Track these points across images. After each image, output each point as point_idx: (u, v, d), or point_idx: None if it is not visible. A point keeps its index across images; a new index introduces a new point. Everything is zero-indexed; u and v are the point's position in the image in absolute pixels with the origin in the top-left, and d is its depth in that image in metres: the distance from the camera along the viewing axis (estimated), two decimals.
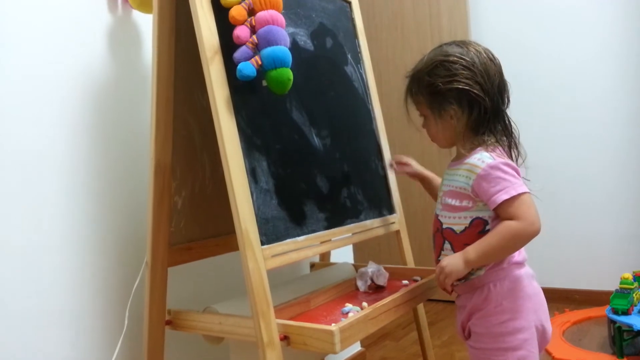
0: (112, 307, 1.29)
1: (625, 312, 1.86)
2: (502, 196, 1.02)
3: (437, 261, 1.15)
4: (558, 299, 2.55)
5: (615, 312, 1.88)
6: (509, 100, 1.13)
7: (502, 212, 1.04)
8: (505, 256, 1.08)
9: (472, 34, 2.71)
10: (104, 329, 1.27)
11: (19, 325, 1.12)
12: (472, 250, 1.04)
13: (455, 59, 1.08)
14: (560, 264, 2.64)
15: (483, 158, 1.06)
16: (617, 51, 2.51)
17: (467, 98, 1.08)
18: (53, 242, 1.19)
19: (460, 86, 1.07)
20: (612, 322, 1.90)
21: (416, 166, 1.39)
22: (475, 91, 1.07)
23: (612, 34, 2.51)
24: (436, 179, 1.34)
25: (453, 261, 1.05)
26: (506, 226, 1.03)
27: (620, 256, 2.52)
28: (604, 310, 1.99)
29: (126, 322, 1.26)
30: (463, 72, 1.07)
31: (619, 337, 1.87)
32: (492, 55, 1.12)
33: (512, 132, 1.12)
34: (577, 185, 2.62)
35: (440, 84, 1.08)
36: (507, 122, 1.12)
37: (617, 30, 2.50)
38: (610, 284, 2.23)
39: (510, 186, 1.03)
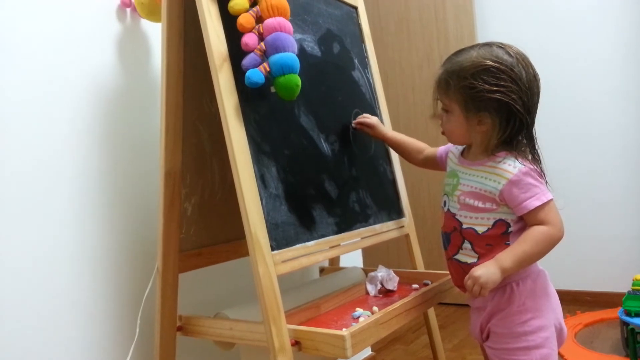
0: (123, 314, 1.30)
1: (639, 314, 1.85)
2: (534, 202, 1.03)
3: (452, 260, 1.15)
4: (569, 300, 2.54)
5: (628, 313, 1.87)
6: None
7: (531, 217, 1.04)
8: (535, 261, 1.08)
9: (478, 36, 2.71)
10: (116, 335, 1.28)
11: (30, 333, 1.13)
12: (507, 257, 1.03)
13: (505, 68, 1.05)
14: (571, 266, 2.62)
15: (514, 164, 1.06)
16: (625, 52, 2.49)
17: (507, 111, 1.06)
18: (64, 250, 1.20)
19: (504, 98, 1.04)
20: (625, 324, 1.88)
21: (379, 129, 1.40)
22: (517, 106, 1.04)
23: (620, 35, 2.50)
24: (399, 137, 1.40)
25: (488, 271, 1.02)
26: (539, 232, 1.03)
27: (633, 257, 2.50)
28: (617, 312, 1.97)
29: (138, 328, 1.27)
30: (510, 85, 1.04)
31: (632, 339, 1.85)
32: (535, 70, 1.09)
33: (537, 149, 1.11)
34: (588, 187, 2.60)
35: (482, 90, 1.05)
36: (534, 139, 1.11)
37: (625, 31, 2.49)
38: (623, 286, 2.21)
39: (540, 192, 1.04)
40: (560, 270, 2.59)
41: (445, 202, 1.18)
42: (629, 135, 2.51)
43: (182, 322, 1.23)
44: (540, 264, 1.16)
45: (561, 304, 1.16)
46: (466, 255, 1.12)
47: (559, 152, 2.62)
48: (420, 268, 1.57)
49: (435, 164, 1.33)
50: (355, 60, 1.51)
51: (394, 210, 1.51)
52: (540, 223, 1.04)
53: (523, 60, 1.08)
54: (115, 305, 1.29)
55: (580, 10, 2.57)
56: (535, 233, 1.03)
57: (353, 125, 1.41)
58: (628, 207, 2.52)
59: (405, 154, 1.40)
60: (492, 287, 1.02)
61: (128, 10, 1.38)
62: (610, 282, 2.52)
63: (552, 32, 2.64)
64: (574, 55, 2.60)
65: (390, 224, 1.47)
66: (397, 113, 2.77)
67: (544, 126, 2.56)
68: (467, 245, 1.11)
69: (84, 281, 1.23)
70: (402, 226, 1.52)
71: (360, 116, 1.42)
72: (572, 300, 2.55)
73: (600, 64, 2.54)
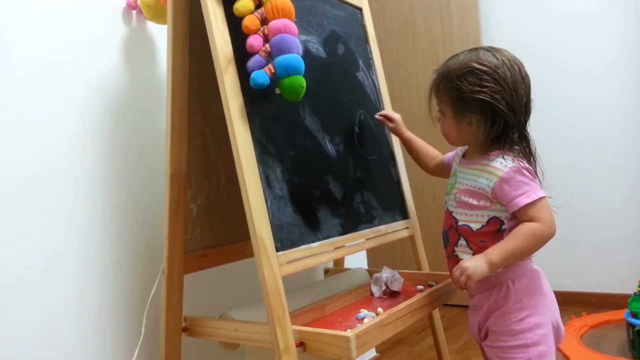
0: (129, 315, 1.30)
1: None
2: (525, 200, 1.04)
3: (452, 257, 1.16)
4: (575, 302, 2.52)
5: (634, 315, 1.86)
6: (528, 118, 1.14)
7: (522, 214, 1.06)
8: (524, 258, 1.10)
9: (483, 38, 2.70)
10: (121, 336, 1.29)
11: (36, 333, 1.13)
12: (495, 252, 1.04)
13: (488, 69, 1.07)
14: (576, 267, 2.61)
15: (505, 161, 1.08)
16: (629, 53, 2.48)
17: (491, 111, 1.08)
18: (70, 251, 1.21)
19: (487, 98, 1.07)
20: (631, 325, 1.88)
21: (400, 125, 1.44)
22: (500, 106, 1.07)
23: (624, 37, 2.49)
24: (415, 140, 1.43)
25: (476, 263, 1.04)
26: (528, 228, 1.04)
27: (638, 259, 2.48)
28: (622, 314, 1.97)
29: (143, 329, 1.28)
30: (493, 85, 1.07)
31: (639, 341, 1.84)
32: (525, 72, 1.11)
33: (531, 149, 1.12)
34: (593, 188, 2.59)
35: (467, 91, 1.08)
36: (527, 140, 1.12)
37: (629, 33, 2.48)
38: (628, 287, 2.20)
39: (531, 190, 1.05)
40: (565, 272, 2.60)
41: (445, 202, 1.21)
42: (635, 136, 2.49)
43: (187, 323, 1.24)
44: (545, 265, 1.16)
45: (567, 305, 1.16)
46: (462, 252, 1.13)
47: (563, 153, 2.62)
48: (425, 269, 1.57)
49: (443, 170, 1.35)
50: (360, 62, 1.51)
51: (398, 212, 1.51)
52: (531, 220, 1.05)
53: (509, 62, 1.09)
54: (121, 306, 1.29)
55: (584, 12, 2.56)
56: (525, 230, 1.04)
57: (376, 116, 1.45)
58: (634, 209, 2.51)
59: (418, 157, 1.41)
60: (479, 279, 1.03)
61: (134, 12, 1.39)
62: (616, 283, 2.50)
63: (557, 34, 2.63)
64: (578, 56, 2.59)
65: (395, 225, 1.47)
66: (402, 114, 2.76)
67: (547, 127, 2.61)
68: (462, 242, 1.13)
69: (89, 282, 1.24)
70: (407, 227, 1.52)
71: (385, 111, 1.47)
72: (577, 302, 2.54)
73: (604, 66, 2.53)
